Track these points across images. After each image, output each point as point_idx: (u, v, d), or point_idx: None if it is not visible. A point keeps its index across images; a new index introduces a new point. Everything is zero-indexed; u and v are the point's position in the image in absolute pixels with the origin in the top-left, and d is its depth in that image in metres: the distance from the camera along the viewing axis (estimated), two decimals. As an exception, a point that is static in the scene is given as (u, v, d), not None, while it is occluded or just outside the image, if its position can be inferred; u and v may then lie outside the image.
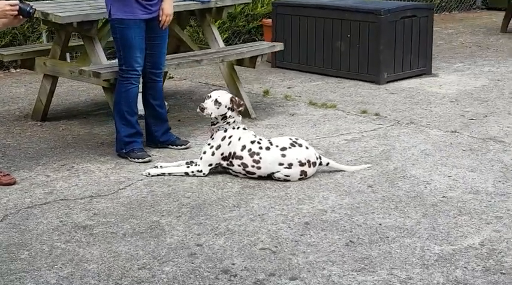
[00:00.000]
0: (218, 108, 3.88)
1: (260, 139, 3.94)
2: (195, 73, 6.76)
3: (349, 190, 3.70)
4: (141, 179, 3.93)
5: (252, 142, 3.90)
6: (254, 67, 5.14)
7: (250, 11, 8.11)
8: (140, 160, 4.19)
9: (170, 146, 4.46)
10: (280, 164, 3.83)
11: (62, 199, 3.64)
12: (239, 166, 3.88)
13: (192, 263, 2.92)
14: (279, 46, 5.32)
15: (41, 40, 7.26)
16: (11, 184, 3.83)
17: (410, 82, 6.21)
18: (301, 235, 3.17)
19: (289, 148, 3.87)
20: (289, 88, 6.11)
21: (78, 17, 4.45)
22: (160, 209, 3.50)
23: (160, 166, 4.04)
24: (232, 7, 5.48)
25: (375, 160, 4.15)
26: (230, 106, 3.91)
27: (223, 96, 3.92)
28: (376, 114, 5.17)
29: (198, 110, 3.90)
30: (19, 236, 3.21)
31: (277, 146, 3.89)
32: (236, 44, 7.75)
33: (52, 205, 3.57)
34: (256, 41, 8.16)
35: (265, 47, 5.19)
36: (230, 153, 3.90)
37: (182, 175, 3.89)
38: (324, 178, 3.88)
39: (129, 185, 3.85)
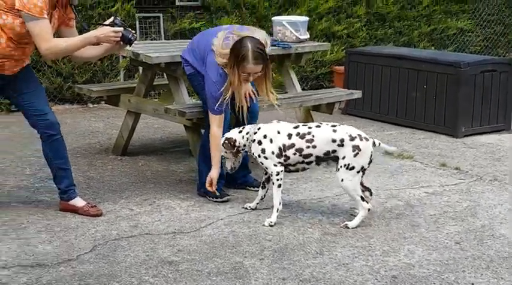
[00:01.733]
0: (228, 158, 4.03)
1: (299, 125, 4.04)
2: (269, 116, 6.83)
3: (435, 245, 3.63)
4: (221, 219, 3.97)
5: (295, 127, 3.98)
6: (331, 114, 5.18)
7: (319, 57, 8.23)
8: (219, 200, 4.25)
9: (248, 187, 4.50)
10: (333, 140, 3.85)
11: (146, 233, 3.72)
12: (294, 154, 3.90)
13: (279, 307, 2.92)
14: (356, 94, 5.35)
15: (118, 78, 7.53)
16: (98, 216, 3.95)
17: (488, 137, 6.11)
18: (389, 287, 3.13)
19: (339, 125, 3.97)
20: (362, 136, 6.10)
21: (166, 58, 4.61)
22: (242, 250, 3.52)
23: (249, 207, 4.10)
24: (310, 53, 5.57)
25: (460, 216, 4.07)
26: (226, 151, 4.02)
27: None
28: (457, 168, 5.09)
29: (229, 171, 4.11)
30: (109, 267, 3.28)
31: (327, 124, 3.98)
32: (304, 89, 7.83)
33: (138, 238, 3.65)
34: (323, 86, 8.26)
35: (342, 94, 5.23)
36: (280, 148, 3.93)
37: (280, 190, 3.89)
38: (408, 231, 3.83)
39: (210, 223, 3.90)
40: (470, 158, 5.44)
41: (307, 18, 5.52)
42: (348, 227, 3.82)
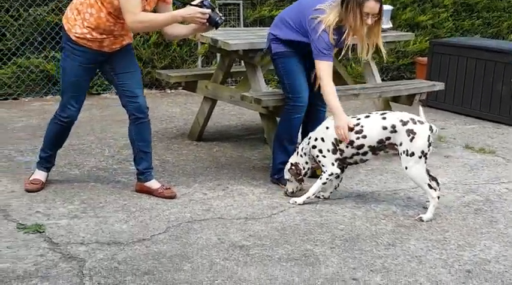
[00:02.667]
0: (291, 182, 4.07)
1: (349, 116, 4.01)
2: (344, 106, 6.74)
3: (514, 241, 3.50)
4: (293, 207, 3.96)
5: None
6: (411, 105, 5.05)
7: (401, 47, 8.03)
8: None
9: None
10: (384, 128, 3.80)
11: (219, 217, 3.76)
12: (347, 147, 3.90)
13: (350, 297, 2.89)
14: (439, 86, 5.20)
15: (196, 64, 7.64)
16: (172, 198, 4.02)
17: None
18: (463, 283, 3.02)
19: (389, 112, 3.94)
20: (442, 129, 5.91)
21: (245, 45, 4.62)
22: (313, 238, 3.50)
23: (323, 196, 4.07)
24: (393, 43, 5.45)
25: (543, 214, 3.90)
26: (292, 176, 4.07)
27: (286, 171, 4.09)
28: (541, 165, 4.87)
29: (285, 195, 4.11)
30: (181, 248, 3.35)
31: (376, 113, 3.99)
32: (383, 80, 7.67)
33: (210, 222, 3.70)
34: (404, 78, 8.07)
35: (424, 85, 5.09)
36: (333, 143, 3.91)
37: (321, 187, 3.94)
38: (485, 226, 3.70)
39: (282, 211, 3.89)
40: (556, 155, 5.18)
41: (390, 7, 5.41)
42: (422, 220, 3.72)
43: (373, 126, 3.87)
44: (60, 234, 3.48)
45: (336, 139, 3.92)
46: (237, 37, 4.80)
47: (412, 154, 3.74)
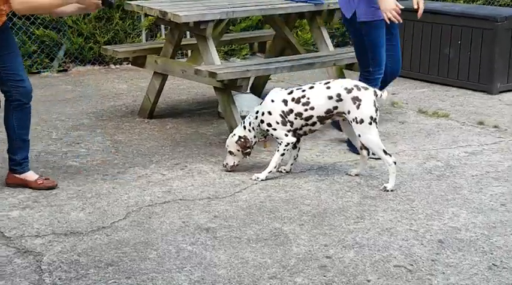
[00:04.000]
0: (234, 155, 3.94)
1: (293, 88, 3.97)
2: (293, 76, 6.66)
3: (480, 207, 3.49)
4: (256, 183, 3.85)
5: (290, 93, 3.90)
6: (365, 72, 4.99)
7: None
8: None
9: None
10: (330, 97, 3.79)
11: (180, 199, 3.61)
12: (295, 118, 3.85)
13: (324, 276, 2.81)
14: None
15: (140, 38, 7.35)
16: (53, 188, 3.70)
17: (526, 93, 5.92)
18: (437, 254, 2.99)
19: (332, 81, 3.92)
20: (393, 94, 5.90)
21: (196, 17, 4.42)
22: (281, 216, 3.41)
23: (284, 170, 4.00)
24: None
25: (503, 177, 3.91)
26: (238, 149, 3.95)
27: (230, 143, 3.95)
28: (495, 126, 4.91)
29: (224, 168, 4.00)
30: (144, 234, 3.19)
31: (320, 82, 3.91)
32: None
33: (172, 204, 3.55)
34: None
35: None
36: (281, 115, 3.86)
37: (280, 159, 3.87)
38: (450, 193, 3.69)
39: (245, 188, 3.78)
40: (508, 115, 5.23)
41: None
42: (387, 190, 3.69)
43: (319, 96, 3.82)
44: (13, 227, 3.25)
45: (283, 111, 3.85)
46: (186, 8, 4.59)
47: (362, 120, 3.72)
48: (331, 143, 4.55)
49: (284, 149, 3.88)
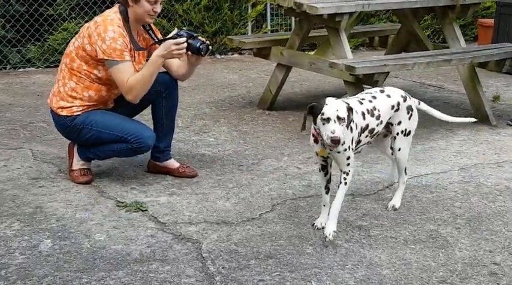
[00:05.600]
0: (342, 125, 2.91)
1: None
2: (407, 72, 6.48)
3: None
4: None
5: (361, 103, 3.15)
6: (500, 71, 4.80)
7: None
8: None
9: None
10: (392, 107, 3.20)
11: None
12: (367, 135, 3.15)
13: (497, 283, 2.69)
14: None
15: (246, 28, 7.35)
16: (194, 177, 3.71)
17: None
18: None
19: (385, 88, 3.30)
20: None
21: (332, 9, 4.34)
22: (433, 217, 3.30)
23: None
24: (478, 5, 5.15)
25: None
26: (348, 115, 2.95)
27: (341, 107, 2.89)
28: None
29: (329, 148, 2.95)
30: (296, 228, 3.14)
31: (376, 91, 3.25)
32: (435, 42, 7.34)
33: (315, 199, 3.47)
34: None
35: (513, 49, 4.80)
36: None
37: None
38: None
39: (387, 187, 3.65)
40: None
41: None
42: (396, 209, 3.31)
43: (383, 106, 3.20)
44: (164, 213, 3.28)
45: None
46: (321, 0, 4.51)
47: (409, 133, 3.29)
48: (465, 144, 4.40)
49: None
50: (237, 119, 4.91)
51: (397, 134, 3.26)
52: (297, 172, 3.86)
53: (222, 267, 2.78)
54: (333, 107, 2.86)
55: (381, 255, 2.91)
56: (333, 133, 2.82)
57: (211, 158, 4.07)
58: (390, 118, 3.23)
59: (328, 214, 3.05)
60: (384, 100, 3.19)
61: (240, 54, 7.32)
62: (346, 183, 3.04)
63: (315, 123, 2.95)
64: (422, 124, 3.90)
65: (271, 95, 5.09)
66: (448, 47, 4.97)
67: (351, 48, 5.00)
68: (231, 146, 4.32)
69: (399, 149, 3.29)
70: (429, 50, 4.92)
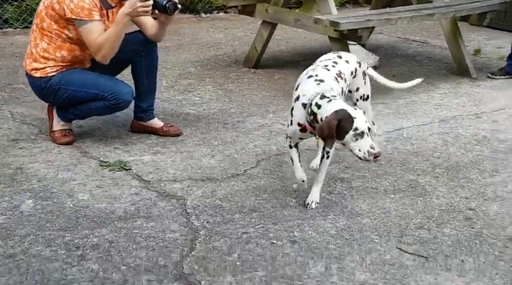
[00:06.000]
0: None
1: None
2: (391, 28, 6.50)
3: None
4: (380, 135, 3.80)
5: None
6: (481, 25, 4.83)
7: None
8: None
9: None
10: (351, 73, 3.11)
11: (307, 149, 3.60)
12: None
13: (472, 227, 2.79)
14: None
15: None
16: (179, 135, 3.75)
17: None
18: None
19: (339, 54, 3.20)
20: (499, 48, 5.72)
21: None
22: (413, 168, 3.39)
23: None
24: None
25: None
26: None
27: (364, 117, 2.76)
28: None
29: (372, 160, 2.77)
30: (280, 182, 3.23)
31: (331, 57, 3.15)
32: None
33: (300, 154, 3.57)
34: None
35: (495, 2, 4.82)
36: None
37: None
38: None
39: (367, 139, 3.76)
40: None
41: None
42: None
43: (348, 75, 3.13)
44: (148, 171, 3.35)
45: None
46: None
47: (368, 97, 3.22)
48: (446, 97, 4.47)
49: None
50: (223, 78, 4.95)
51: (357, 100, 3.20)
52: (281, 129, 3.93)
53: (207, 222, 2.87)
54: (362, 118, 2.70)
55: (362, 205, 3.01)
56: (373, 149, 2.68)
57: (196, 117, 4.12)
58: (349, 84, 3.12)
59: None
60: (344, 65, 3.12)
61: (226, 12, 7.30)
62: (328, 157, 3.01)
63: (341, 138, 2.69)
64: (404, 79, 3.97)
65: (257, 53, 5.11)
66: (431, 1, 5.00)
67: (336, 5, 5.03)
68: (216, 104, 4.37)
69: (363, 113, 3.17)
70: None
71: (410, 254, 2.59)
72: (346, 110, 2.70)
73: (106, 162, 3.43)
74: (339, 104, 2.74)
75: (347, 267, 2.49)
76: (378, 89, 3.55)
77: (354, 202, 3.04)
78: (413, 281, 2.40)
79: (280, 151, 3.60)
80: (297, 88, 2.96)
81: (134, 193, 3.12)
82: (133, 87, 3.70)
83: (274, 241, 2.68)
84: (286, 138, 3.01)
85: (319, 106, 2.76)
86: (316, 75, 2.94)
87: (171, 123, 3.90)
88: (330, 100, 2.76)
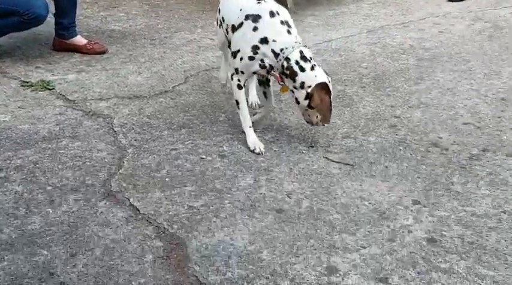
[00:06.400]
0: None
1: None
2: None
3: (539, 67, 3.51)
4: (305, 45, 3.80)
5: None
6: None
7: None
8: None
9: None
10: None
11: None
12: None
13: (396, 134, 2.87)
14: None
15: None
16: (104, 53, 3.67)
17: None
18: (502, 111, 3.04)
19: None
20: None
21: None
22: (341, 79, 3.42)
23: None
24: None
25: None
26: None
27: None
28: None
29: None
30: (209, 98, 3.20)
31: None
32: None
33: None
34: None
35: None
36: None
37: None
38: (504, 53, 3.68)
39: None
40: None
41: None
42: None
43: None
44: (73, 90, 3.25)
45: None
46: None
47: None
48: (375, 7, 4.47)
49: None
50: (148, -7, 4.78)
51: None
52: (210, 44, 3.86)
53: (135, 140, 2.83)
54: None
55: (290, 117, 3.03)
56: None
57: (122, 33, 3.99)
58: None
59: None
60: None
61: None
62: (269, 85, 2.86)
63: (313, 108, 2.62)
64: None
65: (182, -34, 4.94)
66: None
67: None
68: (142, 20, 4.23)
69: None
70: None
71: (337, 162, 2.66)
72: (327, 83, 2.62)
73: (28, 82, 3.30)
74: (321, 73, 2.62)
75: (275, 178, 2.53)
76: (308, 1, 3.51)
77: (282, 114, 3.05)
78: (339, 188, 2.47)
79: (209, 66, 3.55)
80: (256, 24, 2.60)
81: (58, 113, 3.03)
82: (51, 2, 3.53)
83: (204, 156, 2.69)
84: (232, 76, 2.75)
85: (302, 69, 2.58)
86: (278, 14, 2.63)
87: (95, 40, 3.77)
88: (312, 67, 2.60)
